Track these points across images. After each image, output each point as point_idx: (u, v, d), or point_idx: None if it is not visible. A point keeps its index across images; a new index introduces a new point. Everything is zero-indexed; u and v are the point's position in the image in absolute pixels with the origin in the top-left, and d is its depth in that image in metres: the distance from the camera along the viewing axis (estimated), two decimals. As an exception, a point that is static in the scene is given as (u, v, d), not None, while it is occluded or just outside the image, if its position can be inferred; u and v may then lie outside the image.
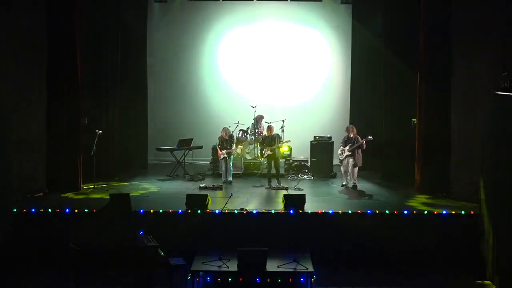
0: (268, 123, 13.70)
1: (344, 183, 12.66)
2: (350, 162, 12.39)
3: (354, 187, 12.41)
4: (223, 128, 13.26)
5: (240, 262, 8.54)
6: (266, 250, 8.66)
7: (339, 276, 9.44)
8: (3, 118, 10.08)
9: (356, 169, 12.44)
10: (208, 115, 15.60)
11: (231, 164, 13.08)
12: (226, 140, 13.05)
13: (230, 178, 13.01)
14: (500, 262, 9.03)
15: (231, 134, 13.41)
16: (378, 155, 13.83)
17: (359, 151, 12.34)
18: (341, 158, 12.62)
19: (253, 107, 14.33)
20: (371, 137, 12.43)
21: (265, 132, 13.50)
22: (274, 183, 12.66)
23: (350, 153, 12.38)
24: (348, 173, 12.51)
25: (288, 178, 13.62)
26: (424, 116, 11.88)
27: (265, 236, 9.80)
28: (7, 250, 9.68)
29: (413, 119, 12.68)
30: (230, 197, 10.71)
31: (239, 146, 13.49)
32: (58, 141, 11.78)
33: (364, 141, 12.28)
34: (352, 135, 12.45)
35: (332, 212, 10.27)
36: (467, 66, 11.27)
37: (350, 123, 14.08)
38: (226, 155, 12.94)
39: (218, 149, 13.13)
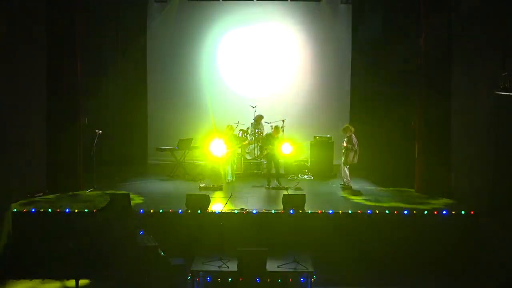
0: (268, 123, 13.70)
1: (341, 183, 12.64)
2: (342, 161, 12.49)
3: (347, 186, 12.39)
4: (229, 126, 13.25)
5: (240, 262, 8.54)
6: (266, 250, 8.66)
7: (339, 276, 9.44)
8: (2, 118, 10.08)
9: (344, 169, 12.40)
10: (208, 115, 15.60)
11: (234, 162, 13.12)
12: (233, 138, 13.05)
13: (231, 178, 13.01)
14: (500, 262, 9.03)
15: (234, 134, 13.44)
16: (378, 155, 13.83)
17: (351, 151, 12.26)
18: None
19: (253, 107, 14.34)
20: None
21: (266, 132, 13.50)
22: (274, 183, 12.65)
23: (343, 152, 12.45)
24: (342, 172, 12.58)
25: (288, 178, 13.61)
26: (424, 116, 11.88)
27: (265, 236, 9.80)
28: (7, 250, 9.67)
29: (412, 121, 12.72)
30: (230, 197, 10.70)
31: (244, 142, 13.46)
32: (58, 141, 11.78)
33: (344, 144, 12.30)
34: (347, 134, 12.44)
35: (332, 212, 10.27)
36: (467, 66, 11.27)
37: (350, 123, 14.07)
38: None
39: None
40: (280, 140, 12.74)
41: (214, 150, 13.02)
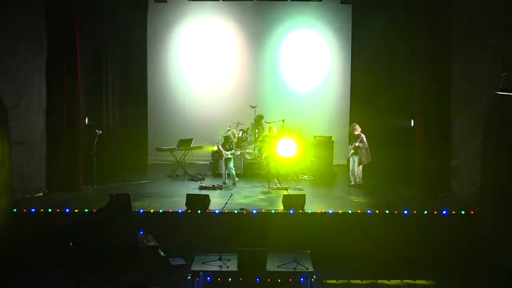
0: (268, 123, 13.70)
1: (352, 183, 12.76)
2: (355, 160, 12.55)
3: (359, 185, 12.53)
4: (232, 131, 13.24)
5: (240, 262, 8.54)
6: (266, 250, 8.66)
7: (339, 276, 9.44)
8: (3, 118, 10.07)
9: (360, 167, 12.54)
10: (208, 115, 15.59)
11: (232, 165, 13.04)
12: (231, 142, 13.01)
13: (236, 178, 12.95)
14: (500, 263, 9.03)
15: (239, 137, 13.45)
16: (378, 155, 13.82)
17: (363, 149, 12.44)
18: (349, 156, 12.82)
19: (253, 107, 14.34)
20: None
21: (265, 132, 13.52)
22: (274, 183, 12.65)
23: (353, 151, 12.52)
24: (355, 172, 12.68)
25: (288, 178, 13.60)
26: (424, 116, 11.88)
27: (265, 236, 9.80)
28: (7, 250, 9.67)
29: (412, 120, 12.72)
30: (230, 197, 10.70)
31: (249, 149, 13.43)
32: (58, 141, 11.79)
33: (358, 143, 12.44)
34: (356, 133, 12.55)
35: (332, 212, 10.27)
36: (467, 66, 11.27)
37: (350, 123, 14.10)
38: (230, 156, 12.89)
39: (221, 148, 13.03)
40: (276, 138, 12.76)
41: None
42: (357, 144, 12.49)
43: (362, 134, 12.58)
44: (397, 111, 13.32)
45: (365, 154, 12.53)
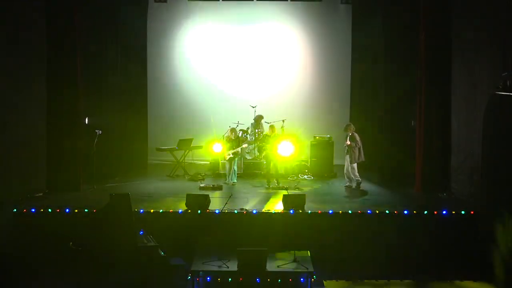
0: (268, 123, 13.71)
1: (346, 184, 12.65)
2: (347, 160, 12.46)
3: (357, 185, 12.40)
4: (231, 128, 13.20)
5: (240, 262, 8.54)
6: (266, 250, 8.67)
7: (339, 276, 9.44)
8: (3, 118, 10.08)
9: (353, 166, 12.40)
10: (208, 115, 15.59)
11: (235, 166, 13.02)
12: (233, 141, 13.00)
13: (235, 180, 12.95)
14: (500, 263, 9.03)
15: (238, 136, 13.39)
16: (378, 155, 13.84)
17: (355, 148, 12.31)
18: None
19: (253, 107, 14.35)
20: None
21: (265, 132, 13.51)
22: (274, 183, 12.65)
23: (346, 151, 12.43)
24: (349, 172, 12.52)
25: (288, 178, 13.61)
26: (424, 116, 11.88)
27: (265, 236, 9.80)
28: (7, 250, 9.67)
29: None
30: (230, 197, 10.70)
31: (244, 145, 13.41)
32: (58, 141, 11.78)
33: (348, 142, 12.32)
34: (349, 132, 12.45)
35: (332, 212, 10.27)
36: (467, 66, 11.27)
37: (350, 123, 14.10)
38: (232, 156, 12.86)
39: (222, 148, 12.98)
40: (277, 138, 12.74)
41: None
42: (348, 143, 12.37)
43: (355, 133, 12.47)
44: (397, 111, 13.31)
45: (356, 153, 12.36)
